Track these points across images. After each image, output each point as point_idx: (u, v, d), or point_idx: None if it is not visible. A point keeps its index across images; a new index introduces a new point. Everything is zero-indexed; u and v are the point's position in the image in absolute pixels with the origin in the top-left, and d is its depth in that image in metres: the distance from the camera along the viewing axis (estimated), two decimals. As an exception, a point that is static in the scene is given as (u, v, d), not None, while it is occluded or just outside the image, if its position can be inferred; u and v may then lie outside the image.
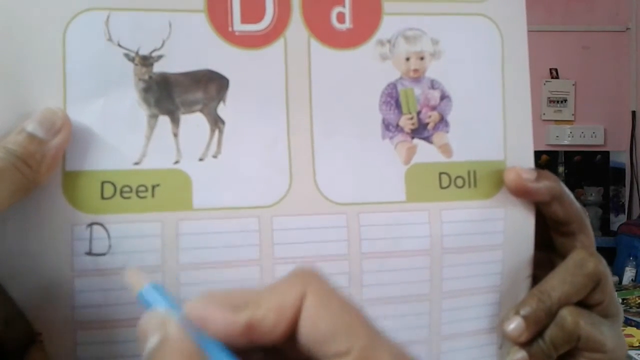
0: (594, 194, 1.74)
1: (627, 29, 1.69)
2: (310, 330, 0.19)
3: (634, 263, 1.60)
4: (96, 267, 0.25)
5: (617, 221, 1.79)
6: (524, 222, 0.31)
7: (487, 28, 0.30)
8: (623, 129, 1.71)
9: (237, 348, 0.19)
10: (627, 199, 1.74)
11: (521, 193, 0.30)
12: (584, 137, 1.68)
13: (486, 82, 0.31)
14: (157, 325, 0.19)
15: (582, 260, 0.30)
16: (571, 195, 0.31)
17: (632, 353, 1.02)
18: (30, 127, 0.24)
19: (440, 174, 0.30)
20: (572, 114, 1.73)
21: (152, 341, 0.19)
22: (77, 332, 0.25)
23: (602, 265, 0.30)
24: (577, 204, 0.31)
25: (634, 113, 1.71)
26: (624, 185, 1.75)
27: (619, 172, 1.75)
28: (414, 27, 0.30)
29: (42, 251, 0.25)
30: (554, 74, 1.75)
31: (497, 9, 0.30)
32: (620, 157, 1.74)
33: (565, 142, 1.80)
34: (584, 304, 0.30)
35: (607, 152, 1.72)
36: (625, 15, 1.70)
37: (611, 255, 1.64)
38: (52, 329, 0.25)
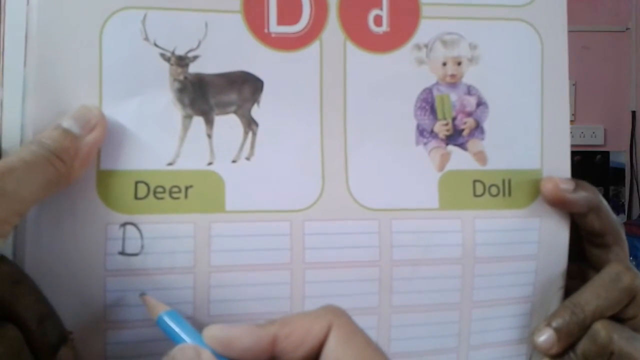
0: (593, 194, 1.71)
1: (627, 29, 1.68)
2: None
3: (634, 263, 1.57)
4: (128, 267, 0.25)
5: (617, 221, 1.76)
6: (559, 233, 0.30)
7: (527, 34, 0.30)
8: (623, 129, 1.70)
9: None
10: (627, 199, 1.73)
11: (558, 204, 0.29)
12: (584, 137, 1.66)
13: (524, 89, 0.30)
14: (191, 356, 0.20)
15: (617, 275, 0.29)
16: (608, 207, 0.30)
17: None
18: (66, 123, 0.24)
19: (475, 181, 0.29)
20: (572, 114, 1.70)
21: None
22: (107, 331, 0.25)
23: (638, 280, 0.29)
24: (613, 216, 0.31)
25: (634, 113, 1.69)
26: (624, 185, 1.73)
27: (619, 172, 1.73)
28: (452, 32, 0.29)
29: (75, 250, 0.25)
30: (554, 74, 1.71)
31: (538, 14, 0.30)
32: (620, 157, 1.72)
33: (566, 142, 1.78)
34: (617, 317, 0.29)
35: (607, 152, 1.71)
36: (625, 15, 1.68)
37: (611, 255, 1.62)
38: (83, 328, 0.25)
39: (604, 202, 0.30)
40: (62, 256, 0.25)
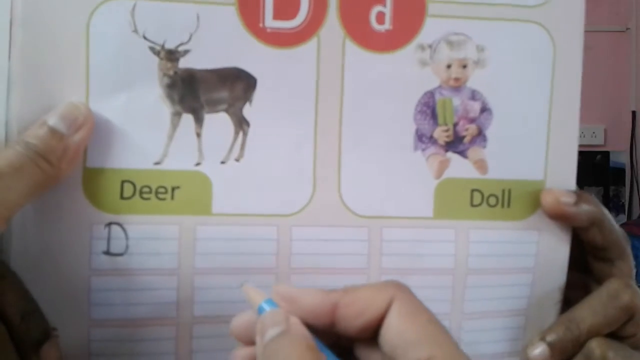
0: (593, 194, 1.68)
1: (627, 29, 1.65)
2: (394, 335, 0.20)
3: (634, 263, 1.56)
4: (113, 266, 0.25)
5: (617, 221, 1.71)
6: (559, 247, 0.29)
7: (539, 37, 0.28)
8: (623, 129, 1.68)
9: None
10: (627, 199, 1.72)
11: (559, 217, 0.28)
12: (584, 137, 1.64)
13: (532, 96, 0.28)
14: (279, 319, 0.20)
15: (616, 292, 0.28)
16: (612, 220, 0.29)
17: None
18: (52, 120, 0.24)
19: (473, 190, 0.28)
20: None
21: (272, 331, 0.20)
22: (91, 329, 0.25)
23: (638, 298, 0.28)
24: (618, 229, 0.30)
25: (634, 113, 1.67)
26: (624, 185, 1.72)
27: (619, 172, 1.72)
28: (458, 32, 0.27)
29: (60, 248, 0.25)
30: (554, 74, 1.69)
31: (552, 17, 0.28)
32: (620, 157, 1.71)
33: (566, 142, 1.76)
34: (615, 335, 0.28)
35: (607, 152, 1.70)
36: (625, 15, 1.66)
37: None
38: (67, 325, 0.25)
39: (607, 215, 0.29)
40: (48, 253, 0.25)
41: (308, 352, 0.19)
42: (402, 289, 0.21)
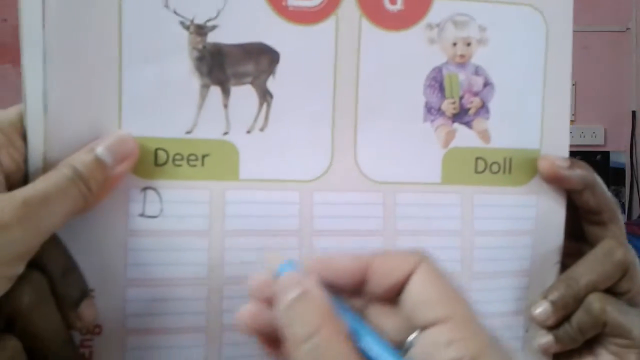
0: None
1: (627, 29, 1.67)
2: (416, 294, 0.22)
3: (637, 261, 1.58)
4: (148, 228, 0.27)
5: (621, 221, 1.75)
6: (555, 210, 0.32)
7: (534, 19, 0.31)
8: (623, 129, 1.70)
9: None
10: (627, 199, 1.73)
11: (554, 180, 0.31)
12: (584, 137, 1.66)
13: (528, 72, 0.31)
14: (298, 282, 0.21)
15: (610, 249, 0.30)
16: (603, 186, 0.32)
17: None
18: (99, 150, 0.25)
19: (477, 158, 0.31)
20: (572, 114, 1.69)
21: (292, 293, 0.21)
22: (127, 289, 0.27)
23: (631, 255, 0.31)
24: (609, 194, 0.32)
25: (634, 113, 1.69)
26: (624, 186, 1.73)
27: (619, 172, 1.72)
28: (463, 13, 0.30)
29: (99, 211, 0.26)
30: (554, 73, 1.69)
31: (545, 0, 0.30)
32: (620, 157, 1.72)
33: (566, 142, 1.76)
34: (611, 291, 0.31)
35: (607, 152, 1.71)
36: (625, 15, 1.67)
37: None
38: (105, 284, 0.26)
39: (599, 181, 0.32)
40: (86, 217, 0.26)
41: (326, 315, 0.20)
42: (428, 257, 0.23)
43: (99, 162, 0.25)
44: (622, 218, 0.32)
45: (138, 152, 0.26)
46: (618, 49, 1.68)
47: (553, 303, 0.31)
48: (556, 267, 0.32)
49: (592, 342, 0.31)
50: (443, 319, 0.21)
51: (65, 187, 0.23)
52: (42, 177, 0.24)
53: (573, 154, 0.31)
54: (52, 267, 0.24)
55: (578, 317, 0.30)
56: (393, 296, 0.22)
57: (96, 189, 0.24)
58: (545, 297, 0.31)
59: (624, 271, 0.30)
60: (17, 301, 0.22)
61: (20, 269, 0.22)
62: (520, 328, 0.32)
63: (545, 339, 0.31)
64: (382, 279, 0.22)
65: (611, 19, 1.66)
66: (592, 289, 0.30)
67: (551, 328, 0.31)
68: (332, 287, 0.22)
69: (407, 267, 0.22)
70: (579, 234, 0.33)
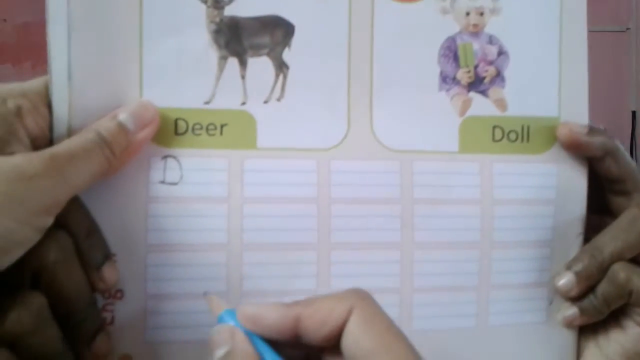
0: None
1: (627, 29, 1.66)
2: (352, 344, 0.21)
3: None
4: (169, 194, 0.27)
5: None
6: (577, 179, 0.31)
7: None
8: (623, 129, 1.68)
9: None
10: None
11: (574, 147, 0.31)
12: None
13: (543, 40, 0.31)
14: (226, 337, 0.21)
15: (635, 217, 0.30)
16: (625, 152, 0.31)
17: None
18: (122, 116, 0.26)
19: (494, 127, 0.31)
20: None
21: (220, 351, 0.21)
22: (148, 254, 0.27)
23: None
24: (632, 162, 0.31)
25: (634, 113, 1.68)
26: None
27: None
28: (475, -18, 0.30)
29: (121, 178, 0.27)
30: (554, 74, 1.68)
31: None
32: None
33: (566, 142, 1.74)
34: (637, 261, 0.30)
35: None
36: (625, 15, 1.67)
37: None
38: (126, 250, 0.27)
39: (621, 148, 0.31)
40: (108, 183, 0.26)
41: None
42: (363, 297, 0.22)
43: (121, 127, 0.25)
44: None
45: (159, 119, 0.27)
46: (618, 49, 1.66)
47: (577, 274, 0.30)
48: (579, 239, 0.31)
49: (618, 314, 0.30)
50: None
51: (90, 149, 0.24)
52: (68, 139, 0.24)
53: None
54: (77, 229, 0.25)
55: (603, 288, 0.30)
56: (334, 343, 0.21)
57: (119, 153, 0.25)
58: (568, 268, 0.30)
59: None
60: (43, 257, 0.23)
61: (47, 221, 0.23)
62: (543, 300, 0.31)
63: (570, 311, 0.31)
64: (314, 332, 0.21)
65: (611, 19, 1.65)
66: (616, 258, 0.29)
67: (575, 300, 0.31)
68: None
69: (339, 317, 0.21)
70: (603, 207, 0.32)
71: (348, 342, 0.21)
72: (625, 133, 1.69)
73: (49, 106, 0.26)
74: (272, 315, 0.21)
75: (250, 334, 0.22)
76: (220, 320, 0.23)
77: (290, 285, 0.28)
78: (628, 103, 1.69)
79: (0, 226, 0.21)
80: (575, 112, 0.31)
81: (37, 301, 0.23)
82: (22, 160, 0.22)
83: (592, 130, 0.30)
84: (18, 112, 0.24)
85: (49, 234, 0.23)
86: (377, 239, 0.29)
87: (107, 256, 0.26)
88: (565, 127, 0.30)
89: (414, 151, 0.30)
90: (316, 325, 0.21)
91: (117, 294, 0.27)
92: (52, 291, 0.23)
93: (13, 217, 0.21)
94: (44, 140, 0.25)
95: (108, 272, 0.25)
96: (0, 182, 0.21)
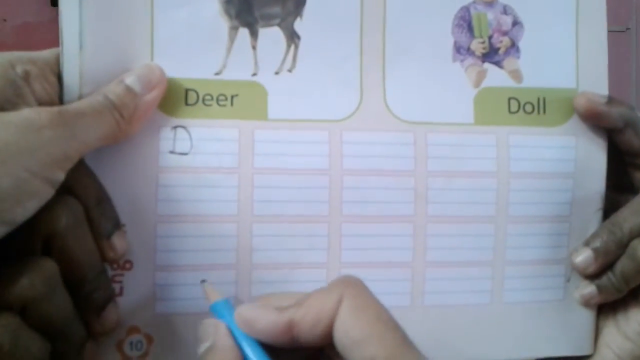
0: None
1: (627, 29, 1.65)
2: (342, 335, 0.20)
3: None
4: (179, 164, 0.27)
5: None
6: (596, 152, 0.30)
7: None
8: None
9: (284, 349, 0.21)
10: None
11: (592, 117, 0.30)
12: None
13: (559, 8, 0.30)
14: (210, 332, 0.22)
15: None
16: None
17: None
18: (129, 80, 0.26)
19: (510, 98, 0.30)
20: None
21: (204, 346, 0.22)
22: (158, 225, 0.27)
23: None
24: None
25: None
26: None
27: None
28: (489, -49, 0.30)
29: (131, 148, 0.26)
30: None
31: None
32: None
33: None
34: None
35: None
36: (625, 15, 1.66)
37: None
38: (135, 220, 0.26)
39: None
40: (118, 153, 0.26)
41: None
42: (352, 284, 0.21)
43: (129, 90, 0.25)
44: None
45: (166, 81, 0.27)
46: (618, 49, 1.66)
47: (595, 250, 0.29)
48: (598, 214, 0.31)
49: (637, 292, 0.29)
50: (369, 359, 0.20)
51: (99, 110, 0.24)
52: (77, 101, 0.24)
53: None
54: (87, 197, 0.25)
55: (622, 264, 0.29)
56: (331, 340, 0.21)
57: (128, 116, 0.25)
58: (586, 244, 0.30)
59: None
60: (54, 222, 0.23)
61: (59, 175, 0.22)
62: (561, 277, 0.30)
63: (588, 289, 0.30)
64: (309, 333, 0.21)
65: (611, 19, 1.63)
66: (636, 234, 0.29)
67: (593, 277, 0.30)
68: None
69: (330, 311, 0.21)
70: (622, 184, 0.31)
71: (339, 333, 0.20)
72: (626, 133, 1.68)
73: (59, 77, 0.26)
74: (264, 321, 0.21)
75: (234, 327, 0.22)
76: (212, 309, 0.23)
77: (301, 258, 0.28)
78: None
79: (12, 175, 0.21)
80: (594, 83, 0.30)
81: (49, 266, 0.22)
82: (31, 112, 0.22)
83: (611, 100, 0.30)
84: (26, 76, 0.24)
85: (60, 199, 0.23)
86: (390, 211, 0.29)
87: (117, 225, 0.26)
88: (583, 97, 0.30)
89: (428, 123, 0.29)
90: (309, 326, 0.21)
91: (125, 264, 0.26)
92: (63, 258, 0.23)
93: (24, 167, 0.21)
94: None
95: (117, 241, 0.25)
96: (10, 133, 0.21)
